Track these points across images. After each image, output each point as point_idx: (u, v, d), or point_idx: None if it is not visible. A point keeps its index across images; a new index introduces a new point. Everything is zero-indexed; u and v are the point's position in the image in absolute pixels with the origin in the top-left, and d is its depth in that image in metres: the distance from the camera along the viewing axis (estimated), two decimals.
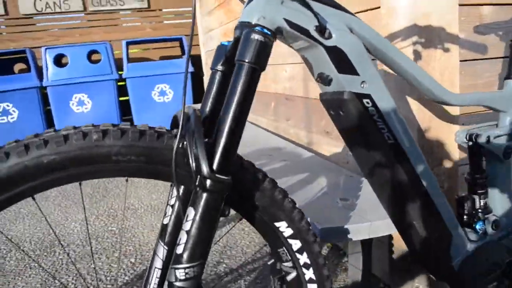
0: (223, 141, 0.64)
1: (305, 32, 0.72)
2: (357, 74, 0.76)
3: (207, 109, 0.76)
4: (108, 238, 2.16)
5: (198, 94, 3.99)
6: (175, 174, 0.64)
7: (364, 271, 1.31)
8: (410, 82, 0.87)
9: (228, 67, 0.75)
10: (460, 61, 1.20)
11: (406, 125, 0.83)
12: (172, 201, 0.77)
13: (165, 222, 0.78)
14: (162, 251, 0.77)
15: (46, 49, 3.54)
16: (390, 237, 1.43)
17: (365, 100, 0.78)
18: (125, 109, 3.81)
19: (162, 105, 3.65)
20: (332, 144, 1.74)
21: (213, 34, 3.50)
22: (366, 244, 1.28)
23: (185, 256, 0.63)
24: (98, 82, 3.47)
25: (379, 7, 1.29)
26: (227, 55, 0.74)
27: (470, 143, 0.96)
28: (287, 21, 0.70)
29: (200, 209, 0.63)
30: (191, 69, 3.71)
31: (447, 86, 1.11)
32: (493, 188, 0.98)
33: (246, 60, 0.64)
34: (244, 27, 0.69)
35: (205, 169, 0.62)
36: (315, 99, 1.85)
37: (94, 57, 3.80)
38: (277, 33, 0.69)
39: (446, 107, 1.20)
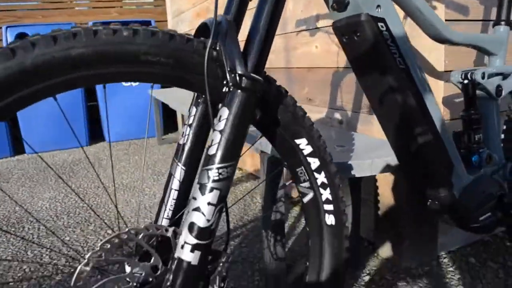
0: (258, 41, 0.63)
1: None
2: None
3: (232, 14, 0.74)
4: (80, 214, 2.08)
5: None
6: (206, 70, 0.62)
7: (353, 227, 1.34)
8: (415, 16, 0.90)
9: None
10: (446, 20, 1.26)
11: (415, 54, 0.85)
12: (190, 120, 0.76)
13: (181, 143, 0.76)
14: (179, 172, 0.75)
15: (6, 27, 3.36)
16: (376, 193, 1.47)
17: (379, 24, 0.80)
18: (90, 93, 3.68)
19: (130, 89, 3.56)
20: (315, 110, 1.77)
21: (184, 16, 3.46)
22: (355, 198, 1.31)
23: (218, 155, 0.62)
24: None
25: None
26: None
27: (466, 81, 1.00)
28: None
29: (234, 108, 0.62)
30: None
31: (433, 44, 1.16)
32: (485, 126, 1.04)
33: None
34: None
35: (240, 67, 0.61)
36: (297, 68, 1.87)
37: None
38: None
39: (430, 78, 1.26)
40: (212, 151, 0.62)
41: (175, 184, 0.75)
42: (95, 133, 3.84)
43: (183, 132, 0.76)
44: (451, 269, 1.39)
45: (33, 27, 3.51)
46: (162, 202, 0.76)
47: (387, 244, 1.46)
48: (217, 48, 0.64)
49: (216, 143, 0.62)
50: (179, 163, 0.75)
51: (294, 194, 2.03)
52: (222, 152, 0.62)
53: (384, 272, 1.39)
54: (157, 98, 3.24)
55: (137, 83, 3.63)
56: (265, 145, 1.27)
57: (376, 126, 1.40)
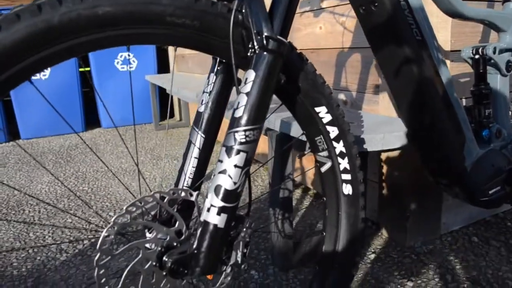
0: (283, 3, 0.63)
1: None
2: None
3: None
4: (81, 196, 2.07)
5: (162, 67, 3.89)
6: (232, 34, 0.62)
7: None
8: None
9: None
10: None
11: (430, 24, 0.86)
12: (209, 88, 0.75)
13: (200, 110, 0.76)
14: (199, 139, 0.75)
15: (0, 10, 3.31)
16: (380, 173, 1.48)
17: None
18: (85, 80, 3.64)
19: (126, 74, 3.52)
20: None
21: None
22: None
23: (245, 118, 0.61)
24: None
25: None
26: None
27: (477, 56, 1.01)
28: None
29: (261, 70, 0.62)
30: None
31: (440, 24, 1.17)
32: (494, 101, 1.05)
33: None
34: None
35: (267, 29, 0.61)
36: (301, 50, 1.86)
37: None
38: None
39: None
40: (238, 113, 0.62)
41: (195, 152, 0.75)
42: (91, 119, 3.81)
43: (202, 100, 0.76)
44: (454, 247, 1.41)
45: None
46: (181, 170, 0.76)
47: (391, 224, 1.48)
48: (243, 11, 0.64)
49: (242, 105, 0.62)
50: (198, 131, 0.75)
51: (297, 177, 2.04)
52: (249, 114, 0.62)
53: (389, 251, 1.40)
54: (154, 83, 3.22)
55: (134, 68, 3.61)
56: (273, 122, 1.27)
57: (382, 106, 1.41)
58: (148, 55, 3.57)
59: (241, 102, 0.62)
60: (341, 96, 1.62)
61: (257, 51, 0.62)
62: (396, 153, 1.40)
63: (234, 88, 0.75)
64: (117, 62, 3.50)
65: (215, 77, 0.75)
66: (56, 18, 0.54)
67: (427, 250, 1.40)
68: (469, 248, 1.40)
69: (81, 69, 3.54)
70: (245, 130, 0.61)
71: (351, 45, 1.54)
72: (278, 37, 0.62)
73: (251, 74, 0.62)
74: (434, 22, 1.26)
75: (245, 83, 0.62)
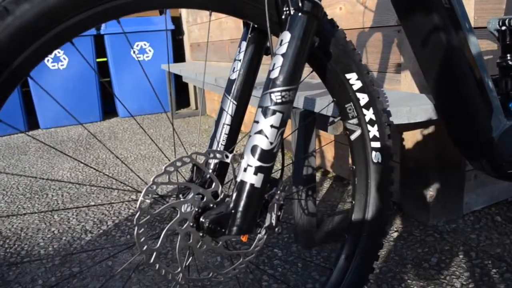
0: None
1: None
2: None
3: None
4: (102, 182, 2.10)
5: (178, 56, 3.91)
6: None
7: None
8: None
9: None
10: None
11: None
12: (240, 56, 0.76)
13: (232, 78, 0.77)
14: (231, 106, 0.76)
15: None
16: (402, 153, 1.48)
17: None
18: (103, 70, 3.68)
19: (142, 63, 3.55)
20: None
21: None
22: None
23: (281, 78, 0.62)
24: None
25: None
26: None
27: (504, 27, 1.00)
28: None
29: (297, 31, 0.63)
30: (171, 26, 3.63)
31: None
32: None
33: None
34: None
35: None
36: None
37: None
38: None
39: None
40: (274, 74, 0.63)
41: (228, 119, 0.76)
42: (109, 109, 3.86)
43: (234, 68, 0.77)
44: (477, 226, 1.40)
45: None
46: (213, 137, 0.77)
47: (414, 203, 1.48)
48: None
49: (278, 66, 0.63)
50: (230, 98, 0.76)
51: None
52: (285, 75, 0.62)
53: (412, 229, 1.40)
54: (171, 71, 3.23)
55: (150, 57, 3.63)
56: (296, 100, 1.28)
57: (403, 84, 1.41)
58: (164, 44, 3.59)
59: (277, 63, 0.63)
60: None
61: (292, 13, 0.63)
62: (417, 132, 1.40)
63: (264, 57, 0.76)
64: (134, 52, 3.53)
65: (246, 44, 0.76)
66: None
67: (450, 229, 1.39)
68: (493, 227, 1.39)
69: (98, 60, 3.57)
70: (281, 91, 0.62)
71: (372, 25, 1.53)
72: None
73: (286, 36, 0.63)
74: None
75: (280, 45, 0.63)
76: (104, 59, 3.60)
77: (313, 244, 1.34)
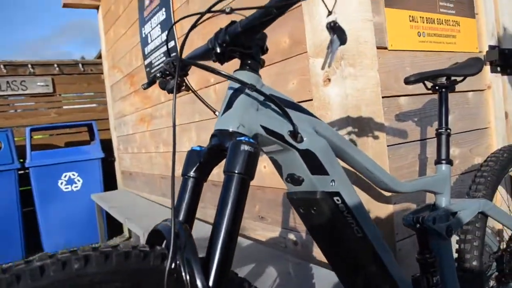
0: (218, 257, 0.60)
1: (279, 137, 0.74)
2: (327, 173, 0.80)
3: (182, 217, 0.72)
4: None
5: (109, 181, 3.78)
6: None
7: None
8: (366, 175, 0.93)
9: (201, 173, 0.74)
10: (387, 145, 1.33)
11: (370, 217, 0.87)
12: None
13: None
14: None
15: None
16: None
17: (335, 198, 0.81)
18: (27, 199, 3.44)
19: (70, 194, 3.38)
20: (268, 229, 1.74)
21: (126, 119, 3.41)
22: None
23: None
24: None
25: (311, 99, 1.38)
26: (202, 161, 0.74)
27: (418, 225, 1.03)
28: (263, 127, 0.72)
29: None
30: (101, 154, 3.52)
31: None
32: (441, 266, 1.05)
33: (236, 171, 0.63)
34: (224, 136, 0.69)
35: (201, 281, 0.58)
36: None
37: None
38: (254, 139, 0.71)
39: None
40: None
41: None
42: (32, 243, 3.56)
43: None
44: None
45: None
46: None
47: None
48: (177, 262, 0.61)
49: None
50: None
51: None
52: None
53: None
54: (100, 205, 3.10)
55: (79, 187, 3.47)
56: None
57: None
58: (93, 173, 3.47)
59: None
60: (291, 236, 1.60)
61: None
62: None
63: None
64: (61, 183, 3.37)
65: None
66: None
67: None
68: None
69: (21, 188, 3.36)
70: None
71: None
72: None
73: None
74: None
75: None
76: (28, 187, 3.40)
77: None
